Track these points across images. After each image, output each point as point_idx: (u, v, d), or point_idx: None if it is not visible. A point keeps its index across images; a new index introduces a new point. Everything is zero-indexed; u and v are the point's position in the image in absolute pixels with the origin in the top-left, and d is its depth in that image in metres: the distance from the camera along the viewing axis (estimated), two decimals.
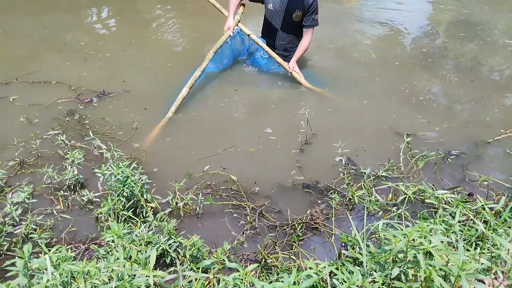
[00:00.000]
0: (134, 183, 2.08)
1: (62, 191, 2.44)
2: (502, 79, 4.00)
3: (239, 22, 3.74)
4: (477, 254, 1.37)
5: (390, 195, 2.36)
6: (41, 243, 2.02)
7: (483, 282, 1.46)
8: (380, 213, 2.25)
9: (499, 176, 2.58)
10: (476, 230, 1.75)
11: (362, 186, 2.44)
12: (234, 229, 2.28)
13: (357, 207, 2.37)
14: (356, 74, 4.01)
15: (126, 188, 2.09)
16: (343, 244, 2.11)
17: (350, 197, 2.36)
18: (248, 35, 3.75)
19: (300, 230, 2.22)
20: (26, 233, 2.14)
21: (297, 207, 2.43)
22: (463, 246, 1.65)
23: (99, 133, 3.01)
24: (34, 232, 2.15)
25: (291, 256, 2.08)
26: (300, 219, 2.30)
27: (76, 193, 2.43)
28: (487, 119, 3.29)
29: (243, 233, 2.24)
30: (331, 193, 2.47)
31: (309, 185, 2.58)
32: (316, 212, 2.32)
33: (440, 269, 1.22)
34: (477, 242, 1.75)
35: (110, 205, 1.95)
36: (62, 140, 2.67)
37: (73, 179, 2.44)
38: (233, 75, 3.90)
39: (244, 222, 2.32)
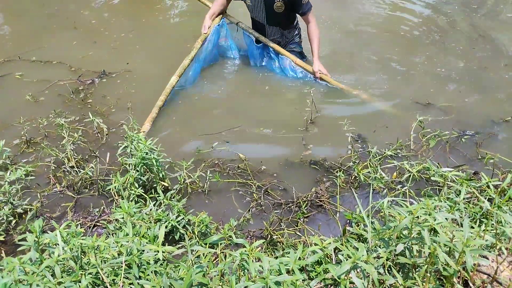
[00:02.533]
0: (155, 160, 2.08)
1: (66, 168, 2.47)
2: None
3: (222, 15, 3.51)
4: (482, 231, 1.38)
5: (395, 173, 2.36)
6: (50, 220, 2.06)
7: (487, 258, 1.48)
8: (385, 191, 2.26)
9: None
10: (481, 207, 1.76)
11: (368, 164, 2.44)
12: (240, 207, 2.31)
13: (362, 185, 2.38)
14: (368, 51, 3.95)
15: (145, 164, 2.09)
16: (348, 221, 2.13)
17: (356, 175, 2.36)
18: (237, 24, 3.51)
19: (305, 208, 2.25)
20: (27, 210, 2.18)
21: (303, 184, 2.45)
22: (468, 223, 1.66)
23: (102, 113, 3.02)
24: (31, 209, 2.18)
25: (297, 233, 2.11)
26: (305, 197, 2.32)
27: (80, 171, 2.46)
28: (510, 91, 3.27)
29: (249, 210, 2.27)
30: (336, 171, 2.48)
31: (315, 162, 2.59)
32: (321, 189, 2.34)
33: (445, 245, 1.24)
34: (481, 219, 1.76)
35: (121, 182, 1.97)
36: (62, 124, 2.68)
37: (71, 156, 2.47)
38: (236, 63, 3.77)
39: (250, 200, 2.34)
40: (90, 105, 3.13)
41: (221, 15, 3.51)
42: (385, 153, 2.53)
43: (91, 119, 2.65)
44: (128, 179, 2.06)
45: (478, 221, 1.74)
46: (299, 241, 2.01)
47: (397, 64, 3.72)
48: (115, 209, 1.59)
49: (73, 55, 3.80)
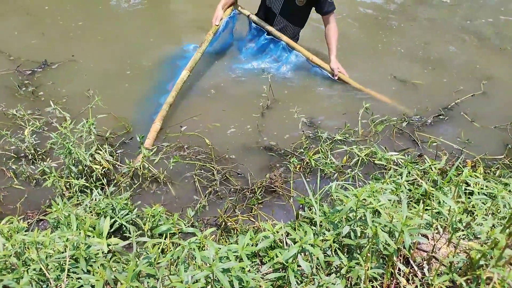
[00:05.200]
0: (72, 145, 1.98)
1: (14, 161, 2.36)
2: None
3: (232, 6, 3.34)
4: (420, 210, 1.45)
5: (345, 157, 2.43)
6: None
7: (426, 237, 1.56)
8: (336, 175, 2.33)
9: (455, 139, 2.69)
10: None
11: (320, 150, 2.50)
12: (196, 194, 2.30)
13: (314, 170, 2.43)
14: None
15: (67, 152, 1.99)
16: (301, 205, 2.18)
17: (308, 160, 2.41)
18: (248, 16, 3.35)
19: (260, 194, 2.27)
20: None
21: (259, 170, 2.48)
22: (409, 203, 1.75)
23: (58, 104, 2.86)
24: None
25: (251, 219, 2.14)
26: (260, 183, 2.34)
27: (30, 163, 2.35)
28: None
29: (205, 196, 2.26)
30: (290, 157, 2.52)
31: (270, 148, 2.62)
32: (275, 175, 2.37)
33: (385, 226, 1.30)
34: (424, 200, 1.86)
35: (56, 175, 1.89)
36: (14, 114, 2.55)
37: (30, 147, 2.36)
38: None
39: (206, 186, 2.34)
40: (43, 97, 2.95)
41: (232, 6, 3.36)
42: (335, 138, 2.59)
43: (53, 108, 2.51)
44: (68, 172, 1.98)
45: (421, 201, 1.84)
46: (253, 227, 2.03)
47: (363, 47, 3.87)
48: (54, 206, 1.53)
49: (16, 43, 3.55)
